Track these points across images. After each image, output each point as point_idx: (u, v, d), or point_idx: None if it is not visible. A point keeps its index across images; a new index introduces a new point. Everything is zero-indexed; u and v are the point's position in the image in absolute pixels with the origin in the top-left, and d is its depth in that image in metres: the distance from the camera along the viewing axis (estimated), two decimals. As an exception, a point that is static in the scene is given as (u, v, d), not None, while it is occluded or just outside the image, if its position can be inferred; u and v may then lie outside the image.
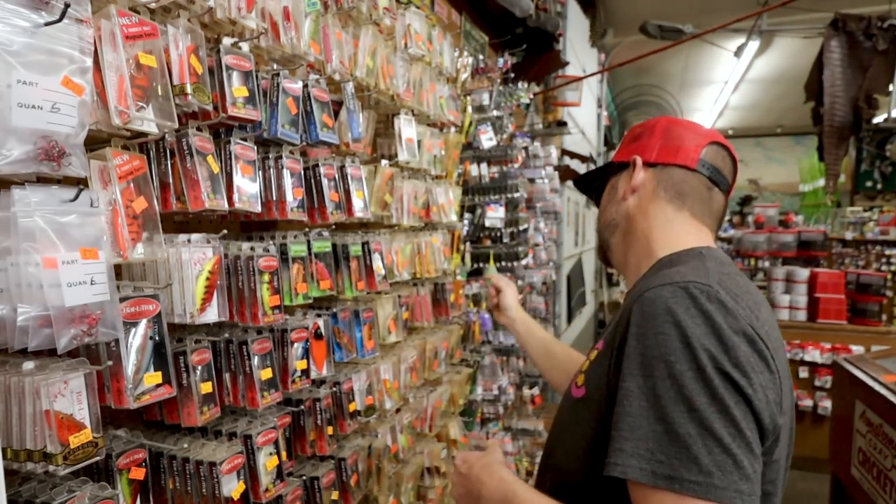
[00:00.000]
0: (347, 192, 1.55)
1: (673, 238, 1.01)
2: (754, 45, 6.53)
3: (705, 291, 0.78)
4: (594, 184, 1.23)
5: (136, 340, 0.96)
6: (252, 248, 1.22)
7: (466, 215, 3.15)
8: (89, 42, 0.85)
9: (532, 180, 3.91)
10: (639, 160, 1.07)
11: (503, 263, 3.32)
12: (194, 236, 1.12)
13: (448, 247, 2.34)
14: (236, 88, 1.16)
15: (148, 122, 0.96)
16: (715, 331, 0.75)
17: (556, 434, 0.99)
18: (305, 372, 1.38)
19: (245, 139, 1.23)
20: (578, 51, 6.13)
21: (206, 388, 1.13)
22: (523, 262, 3.39)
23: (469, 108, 2.93)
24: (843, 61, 4.90)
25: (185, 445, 1.16)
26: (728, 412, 0.72)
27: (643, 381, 0.76)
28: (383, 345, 1.83)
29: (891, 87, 4.97)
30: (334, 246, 1.55)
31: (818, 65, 5.11)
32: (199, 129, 1.12)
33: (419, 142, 1.99)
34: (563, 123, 5.05)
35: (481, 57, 3.25)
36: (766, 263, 5.25)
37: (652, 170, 1.06)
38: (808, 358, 4.47)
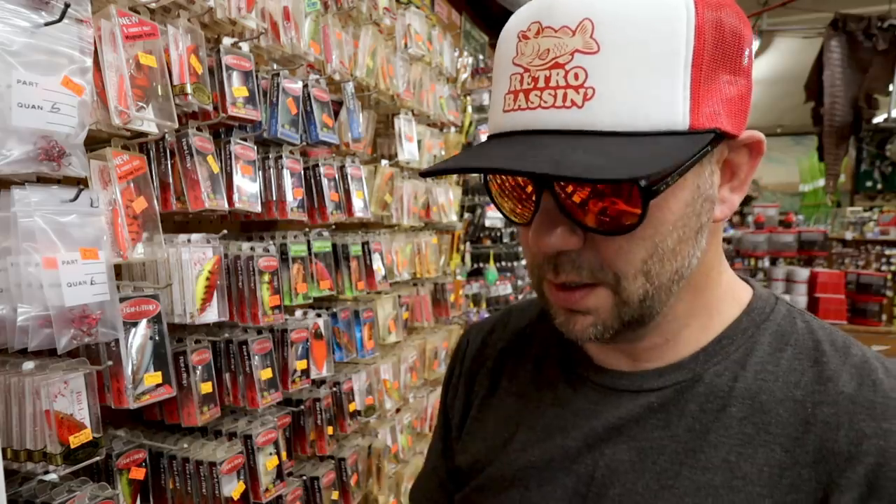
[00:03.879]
0: (347, 192, 1.55)
1: (735, 280, 0.66)
2: (754, 45, 6.53)
3: None
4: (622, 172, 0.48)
5: (136, 340, 0.96)
6: (252, 248, 1.22)
7: (466, 215, 3.15)
8: (89, 42, 0.85)
9: (532, 180, 3.90)
10: (758, 138, 0.57)
11: (503, 263, 3.32)
12: (194, 236, 1.12)
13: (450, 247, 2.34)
14: (236, 88, 1.16)
15: (148, 122, 0.96)
16: None
17: None
18: (305, 372, 1.38)
19: (245, 139, 1.23)
20: (578, 51, 6.11)
21: (206, 388, 1.13)
22: (523, 262, 3.39)
23: (469, 108, 2.93)
24: (843, 61, 4.89)
25: (185, 445, 1.16)
26: None
27: None
28: (383, 345, 1.83)
29: (891, 87, 4.96)
30: (334, 246, 1.55)
31: (818, 65, 5.10)
32: (199, 129, 1.12)
33: (419, 142, 1.99)
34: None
35: (481, 57, 3.25)
36: (767, 263, 5.24)
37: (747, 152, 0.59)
38: (808, 358, 4.46)
